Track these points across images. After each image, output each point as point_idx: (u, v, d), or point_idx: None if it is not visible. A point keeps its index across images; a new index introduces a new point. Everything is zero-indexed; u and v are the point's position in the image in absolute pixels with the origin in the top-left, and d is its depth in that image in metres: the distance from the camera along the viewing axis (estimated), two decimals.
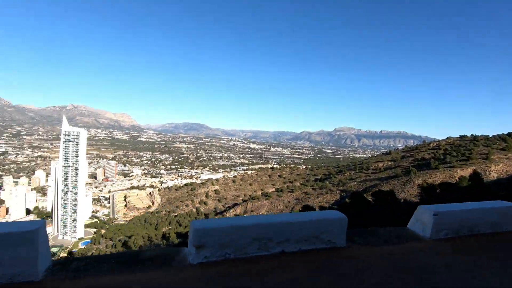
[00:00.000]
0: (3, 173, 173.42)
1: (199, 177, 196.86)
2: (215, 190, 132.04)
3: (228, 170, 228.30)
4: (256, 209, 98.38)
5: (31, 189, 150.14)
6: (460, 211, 4.04)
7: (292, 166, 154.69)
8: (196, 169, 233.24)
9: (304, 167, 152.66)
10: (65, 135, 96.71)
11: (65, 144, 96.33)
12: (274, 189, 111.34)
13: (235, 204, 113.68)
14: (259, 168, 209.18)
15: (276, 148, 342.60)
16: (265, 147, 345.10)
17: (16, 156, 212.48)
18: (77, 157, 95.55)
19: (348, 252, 3.33)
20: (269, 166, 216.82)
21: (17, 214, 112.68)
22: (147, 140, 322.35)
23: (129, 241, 63.11)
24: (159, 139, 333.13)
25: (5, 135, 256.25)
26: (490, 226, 4.13)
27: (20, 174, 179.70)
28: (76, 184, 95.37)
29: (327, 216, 3.52)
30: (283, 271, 2.81)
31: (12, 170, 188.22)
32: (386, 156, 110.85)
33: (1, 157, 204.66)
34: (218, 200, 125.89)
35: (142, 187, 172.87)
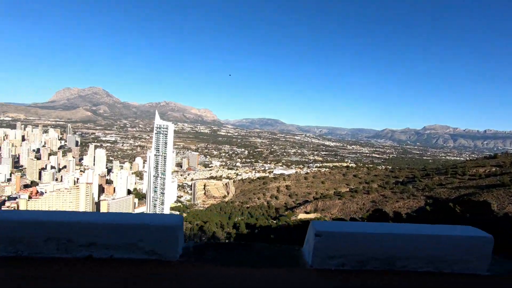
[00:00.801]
0: (113, 158, 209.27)
1: (272, 172, 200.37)
2: (286, 186, 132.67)
3: (301, 166, 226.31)
4: (327, 208, 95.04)
5: (132, 173, 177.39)
6: (373, 235, 2.72)
7: (370, 166, 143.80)
8: (270, 163, 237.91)
9: (383, 167, 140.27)
10: (157, 127, 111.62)
11: (157, 135, 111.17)
12: (348, 189, 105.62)
13: (306, 201, 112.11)
14: (333, 166, 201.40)
15: (353, 146, 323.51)
16: (341, 145, 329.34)
17: (122, 145, 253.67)
18: (165, 147, 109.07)
19: (174, 269, 2.62)
20: (345, 164, 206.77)
21: (120, 193, 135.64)
22: (226, 134, 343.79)
23: (204, 226, 68.61)
24: (236, 134, 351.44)
25: (115, 127, 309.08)
26: (428, 262, 2.73)
27: (125, 160, 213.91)
28: (164, 171, 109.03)
29: (148, 221, 2.81)
30: (74, 280, 2.34)
31: (119, 156, 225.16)
32: (490, 160, 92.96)
33: (112, 145, 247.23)
34: (289, 195, 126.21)
35: (220, 178, 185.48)
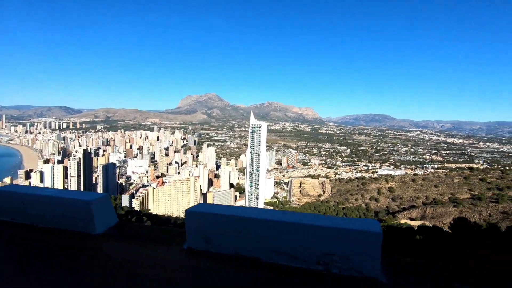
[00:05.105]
0: (222, 156, 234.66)
1: (377, 172, 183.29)
2: (389, 188, 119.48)
3: (413, 167, 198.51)
4: (438, 216, 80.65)
5: (236, 169, 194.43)
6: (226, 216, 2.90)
7: (506, 168, 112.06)
8: (374, 163, 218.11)
9: None
10: (252, 127, 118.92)
11: (252, 134, 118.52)
12: (469, 196, 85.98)
13: (412, 206, 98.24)
14: (456, 167, 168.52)
15: (488, 144, 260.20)
16: (471, 142, 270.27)
17: (230, 143, 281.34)
18: (259, 145, 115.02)
19: (83, 241, 3.26)
20: (475, 166, 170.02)
21: (224, 187, 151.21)
22: (327, 132, 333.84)
23: None
24: (338, 131, 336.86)
25: (225, 127, 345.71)
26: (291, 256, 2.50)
27: (232, 157, 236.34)
28: (258, 167, 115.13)
29: (67, 195, 3.44)
30: None
31: (227, 153, 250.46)
32: None
33: (222, 143, 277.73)
34: (392, 198, 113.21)
35: (317, 176, 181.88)
